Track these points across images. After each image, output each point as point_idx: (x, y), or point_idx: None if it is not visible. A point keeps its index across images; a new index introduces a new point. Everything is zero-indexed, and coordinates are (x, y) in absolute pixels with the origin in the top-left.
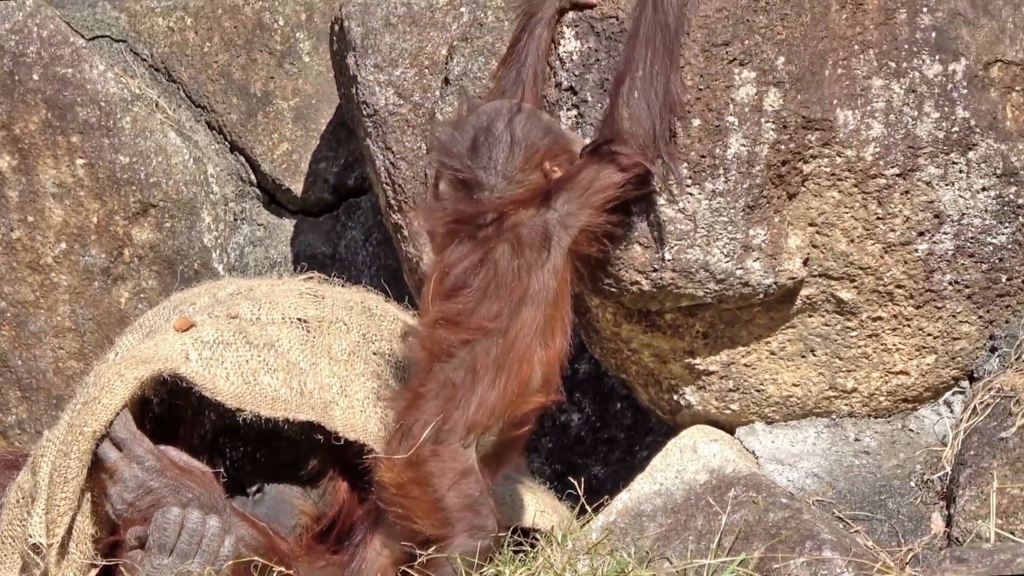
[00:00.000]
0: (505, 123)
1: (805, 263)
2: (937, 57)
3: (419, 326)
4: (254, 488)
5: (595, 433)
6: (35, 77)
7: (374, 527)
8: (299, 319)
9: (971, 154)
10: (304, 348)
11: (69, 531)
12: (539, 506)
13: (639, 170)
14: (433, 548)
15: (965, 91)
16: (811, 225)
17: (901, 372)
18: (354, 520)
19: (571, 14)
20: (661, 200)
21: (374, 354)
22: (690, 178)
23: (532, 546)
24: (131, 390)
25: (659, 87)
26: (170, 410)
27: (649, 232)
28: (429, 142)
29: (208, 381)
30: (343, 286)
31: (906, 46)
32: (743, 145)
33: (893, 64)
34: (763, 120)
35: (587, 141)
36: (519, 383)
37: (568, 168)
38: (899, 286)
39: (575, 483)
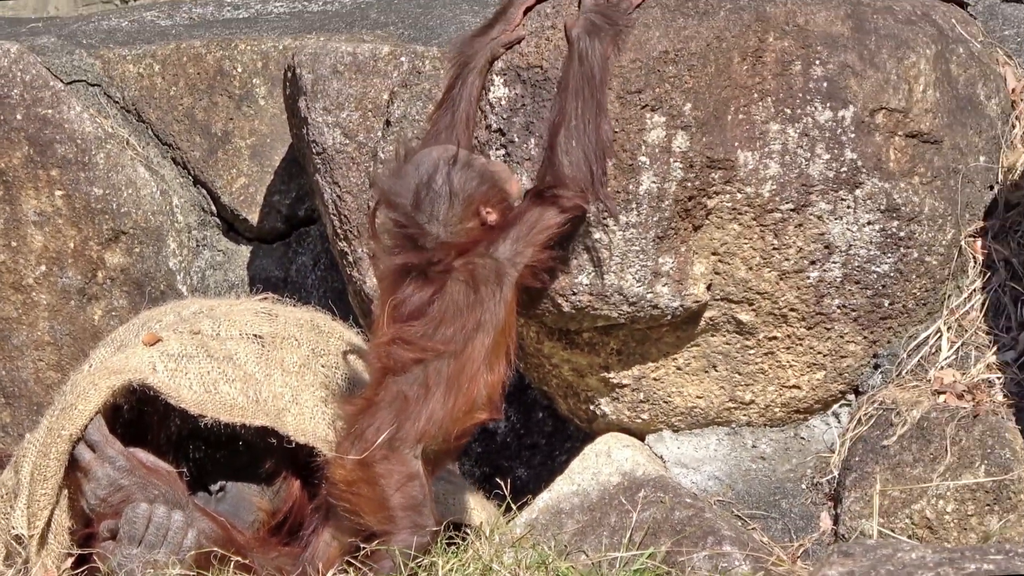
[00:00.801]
0: (444, 177)
1: (708, 288)
2: (828, 104)
3: (374, 343)
4: (217, 487)
5: (519, 439)
6: (18, 117)
7: (325, 520)
8: (255, 335)
9: (858, 192)
10: (259, 361)
11: (48, 524)
12: (470, 504)
13: (578, 211)
14: (377, 542)
15: (853, 135)
16: (714, 254)
17: (794, 386)
18: (305, 515)
19: (500, 64)
20: (580, 231)
21: (322, 367)
22: (606, 211)
23: (463, 540)
24: (104, 398)
25: (592, 134)
26: (139, 416)
27: (569, 260)
28: (373, 188)
29: (173, 390)
30: (294, 306)
31: (800, 95)
32: (654, 182)
33: (788, 111)
34: (672, 160)
35: (517, 174)
36: (466, 401)
37: (506, 211)
38: (792, 309)
39: (501, 484)
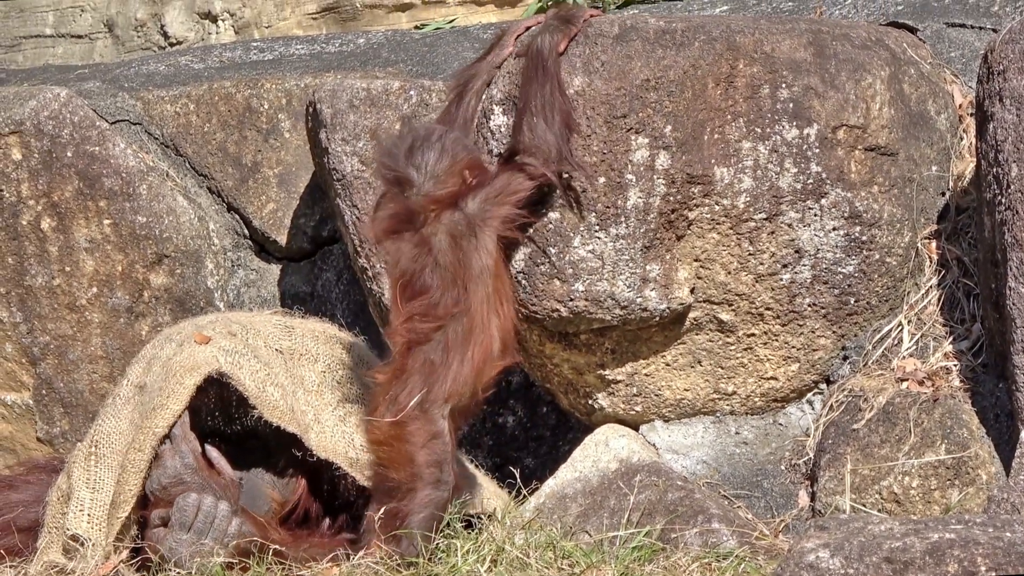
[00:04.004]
0: (438, 135)
1: (692, 291)
2: (794, 123)
3: (394, 324)
4: (237, 478)
5: (526, 432)
6: (69, 154)
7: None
8: (277, 349)
9: (823, 201)
10: (287, 375)
11: (128, 517)
12: (487, 493)
13: (544, 180)
14: (400, 496)
15: (817, 150)
16: (696, 260)
17: (771, 378)
18: (310, 507)
19: (498, 95)
20: (575, 243)
21: (337, 382)
22: (597, 225)
23: (478, 523)
24: (190, 394)
25: (551, 109)
26: None
27: (566, 270)
28: (374, 151)
29: (240, 380)
30: (304, 317)
31: (769, 115)
32: (640, 197)
33: (759, 129)
34: (655, 177)
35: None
36: (483, 352)
37: (484, 180)
38: (768, 308)
39: (514, 472)
